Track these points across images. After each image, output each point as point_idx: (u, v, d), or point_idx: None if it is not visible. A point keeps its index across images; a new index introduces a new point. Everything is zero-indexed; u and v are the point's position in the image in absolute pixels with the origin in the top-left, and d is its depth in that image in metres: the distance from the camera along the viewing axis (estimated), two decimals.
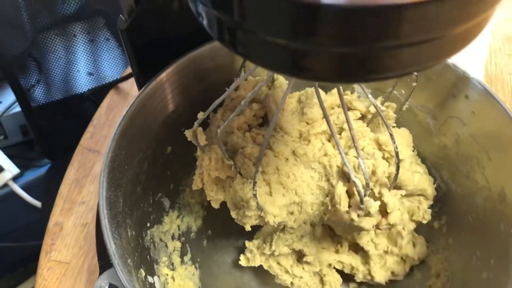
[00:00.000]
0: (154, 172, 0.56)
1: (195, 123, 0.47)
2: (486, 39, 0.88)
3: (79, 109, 1.11)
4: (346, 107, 0.55)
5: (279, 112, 0.52)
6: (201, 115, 0.46)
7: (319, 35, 0.24)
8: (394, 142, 0.45)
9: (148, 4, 0.49)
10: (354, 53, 0.25)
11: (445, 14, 0.24)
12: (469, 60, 0.82)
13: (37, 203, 1.08)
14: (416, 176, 0.56)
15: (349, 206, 0.49)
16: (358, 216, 0.46)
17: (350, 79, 0.31)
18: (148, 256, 0.54)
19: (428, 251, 0.60)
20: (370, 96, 0.42)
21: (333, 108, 0.56)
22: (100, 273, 0.45)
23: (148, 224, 0.56)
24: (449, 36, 0.26)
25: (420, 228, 0.59)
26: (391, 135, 0.45)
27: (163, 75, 0.52)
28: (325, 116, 0.39)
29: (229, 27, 0.28)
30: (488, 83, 0.83)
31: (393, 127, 0.58)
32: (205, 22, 0.29)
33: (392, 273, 0.59)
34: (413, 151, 0.59)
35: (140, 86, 0.57)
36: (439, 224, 0.60)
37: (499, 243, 0.49)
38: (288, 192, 0.51)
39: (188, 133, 0.49)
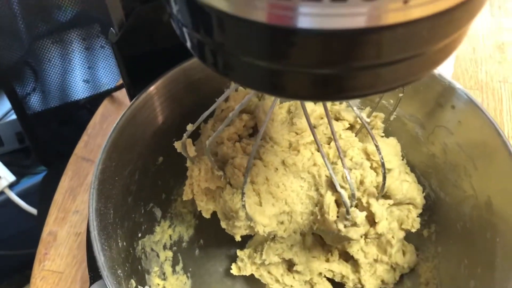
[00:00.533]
0: (145, 183, 0.56)
1: (184, 134, 0.47)
2: None
3: (75, 116, 1.11)
4: (335, 117, 0.56)
5: (268, 123, 0.53)
6: (190, 127, 0.47)
7: (294, 57, 0.25)
8: (380, 153, 0.46)
9: (138, 17, 0.50)
10: (330, 74, 0.26)
11: (422, 34, 0.25)
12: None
13: (33, 210, 1.08)
14: (405, 185, 0.56)
15: (338, 216, 0.50)
16: (345, 226, 0.47)
17: (329, 97, 0.31)
18: (139, 267, 0.54)
19: (418, 259, 0.60)
20: (355, 108, 0.43)
21: (322, 118, 0.57)
22: (90, 284, 0.46)
23: (140, 235, 0.56)
24: (427, 53, 0.27)
25: (409, 236, 0.60)
26: (376, 146, 0.45)
27: (153, 88, 0.52)
28: (310, 128, 0.40)
29: (210, 49, 0.29)
30: (479, 90, 0.83)
31: (382, 136, 0.59)
32: (188, 43, 0.30)
33: (382, 281, 0.60)
34: (402, 160, 0.60)
35: (131, 97, 0.57)
36: (429, 232, 0.61)
37: (485, 251, 0.50)
38: (277, 202, 0.52)
39: (177, 145, 0.50)
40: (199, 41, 0.28)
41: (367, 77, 0.27)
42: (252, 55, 0.26)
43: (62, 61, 1.06)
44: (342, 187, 0.47)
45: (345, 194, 0.44)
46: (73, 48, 1.07)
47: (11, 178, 1.06)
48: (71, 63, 1.08)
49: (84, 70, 1.09)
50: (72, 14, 1.02)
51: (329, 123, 0.40)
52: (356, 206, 0.48)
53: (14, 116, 1.15)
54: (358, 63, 0.25)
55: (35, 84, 1.04)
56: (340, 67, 0.25)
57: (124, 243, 0.51)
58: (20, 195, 1.10)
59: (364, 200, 0.50)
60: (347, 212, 0.45)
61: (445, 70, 0.80)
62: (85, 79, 1.10)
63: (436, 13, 0.24)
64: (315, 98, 0.32)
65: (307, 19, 0.23)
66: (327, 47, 0.24)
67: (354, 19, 0.23)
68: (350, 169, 0.51)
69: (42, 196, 1.09)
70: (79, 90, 1.08)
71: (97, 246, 0.43)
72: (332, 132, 0.40)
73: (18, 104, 1.01)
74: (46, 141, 1.11)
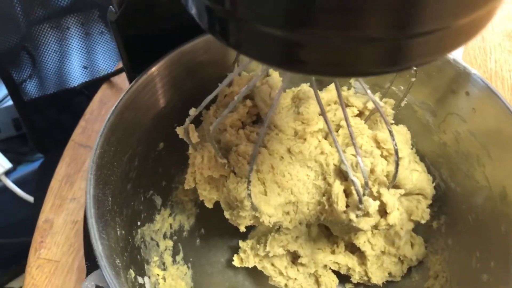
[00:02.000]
0: (145, 169, 0.54)
1: (187, 119, 0.45)
2: None
3: (73, 103, 1.09)
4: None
5: (272, 110, 0.51)
6: (193, 112, 0.45)
7: (317, 24, 0.23)
8: (393, 140, 0.44)
9: None
10: (354, 45, 0.24)
11: (451, 3, 0.23)
12: None
13: (30, 198, 1.06)
14: (414, 174, 0.54)
15: (347, 206, 0.48)
16: (357, 216, 0.44)
17: (349, 72, 0.29)
18: (138, 256, 0.52)
19: (426, 251, 0.59)
20: (369, 91, 0.40)
21: (329, 104, 0.55)
22: (87, 274, 0.44)
23: (139, 223, 0.54)
24: (455, 27, 0.25)
25: (418, 228, 0.58)
26: (390, 132, 0.43)
27: (154, 69, 0.50)
28: (323, 114, 0.38)
29: (220, 17, 0.26)
30: (488, 80, 0.81)
31: (391, 124, 0.57)
32: (194, 11, 0.27)
33: (389, 274, 0.58)
34: (412, 148, 0.58)
35: (130, 80, 0.55)
36: (438, 224, 0.58)
37: (499, 244, 0.48)
38: (283, 191, 0.50)
39: (179, 130, 0.47)
40: (208, 8, 0.25)
41: (392, 51, 0.25)
42: (267, 22, 0.23)
43: (60, 47, 1.04)
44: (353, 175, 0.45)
45: (358, 182, 0.42)
46: (71, 33, 1.05)
47: (8, 165, 1.05)
48: (69, 49, 1.06)
49: (82, 56, 1.07)
50: None
51: (341, 106, 0.38)
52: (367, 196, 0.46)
53: (10, 102, 1.13)
54: (386, 34, 0.23)
55: (32, 70, 1.02)
56: (367, 37, 0.23)
57: (123, 232, 0.49)
58: (17, 182, 1.09)
59: (374, 190, 0.47)
60: (360, 202, 0.43)
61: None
62: (83, 65, 1.07)
63: None
64: (333, 74, 0.29)
65: None
66: (355, 13, 0.21)
67: None
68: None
69: (39, 184, 1.07)
70: (77, 76, 1.06)
71: (95, 234, 0.41)
72: (345, 116, 0.37)
73: (15, 90, 0.99)
74: (43, 128, 1.09)
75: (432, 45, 0.25)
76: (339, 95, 0.37)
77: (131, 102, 0.49)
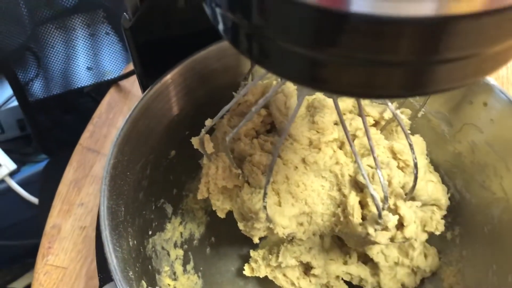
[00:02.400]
0: (157, 177, 0.53)
1: (202, 130, 0.44)
2: None
3: (78, 104, 1.09)
4: (359, 113, 0.53)
5: (286, 119, 0.50)
6: (208, 122, 0.44)
7: (344, 45, 0.22)
8: (413, 153, 0.43)
9: (153, 1, 0.47)
10: (379, 68, 0.23)
11: (486, 31, 0.22)
12: None
13: (34, 199, 1.06)
14: (430, 185, 0.53)
15: (362, 218, 0.47)
16: (375, 230, 0.44)
17: (374, 95, 0.28)
18: (149, 266, 0.51)
19: (441, 262, 0.58)
20: (389, 103, 0.39)
21: (344, 114, 0.54)
22: (100, 286, 0.43)
23: (150, 232, 0.53)
24: (488, 54, 0.24)
25: (432, 239, 0.57)
26: (410, 145, 0.42)
27: (168, 77, 0.49)
28: (342, 123, 0.37)
29: (246, 33, 0.26)
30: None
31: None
32: (220, 26, 0.27)
33: (402, 285, 0.57)
34: (426, 158, 0.57)
35: (143, 86, 0.54)
36: (452, 235, 0.58)
37: None
38: (297, 202, 0.49)
39: (194, 141, 0.46)
40: (234, 24, 0.25)
41: (422, 74, 0.24)
42: (295, 41, 0.23)
43: (65, 47, 1.03)
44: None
45: (378, 197, 0.41)
46: (76, 34, 1.04)
47: (12, 166, 1.04)
48: (75, 50, 1.05)
49: (88, 57, 1.07)
50: None
51: (362, 117, 0.37)
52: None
53: (15, 103, 1.12)
54: (416, 58, 0.22)
55: (38, 71, 1.02)
56: (394, 61, 0.22)
57: (135, 242, 0.48)
58: (21, 183, 1.08)
59: (391, 202, 0.47)
60: (379, 216, 0.42)
61: None
62: (88, 66, 1.07)
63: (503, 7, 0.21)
64: (356, 95, 0.29)
65: (362, 2, 0.20)
66: (384, 37, 0.21)
67: (421, 5, 0.20)
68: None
69: (44, 186, 1.06)
70: (83, 77, 1.05)
71: (109, 247, 0.40)
72: (365, 126, 0.37)
73: (20, 91, 0.98)
74: (48, 129, 1.09)
75: (462, 71, 0.25)
76: (360, 106, 0.36)
77: (145, 111, 0.48)
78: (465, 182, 0.56)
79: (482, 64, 0.25)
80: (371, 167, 0.48)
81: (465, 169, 0.55)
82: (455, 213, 0.57)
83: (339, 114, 0.36)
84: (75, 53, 1.05)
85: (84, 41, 1.06)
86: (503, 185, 0.50)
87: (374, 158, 0.38)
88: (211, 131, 0.54)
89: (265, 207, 0.44)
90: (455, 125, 0.55)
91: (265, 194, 0.42)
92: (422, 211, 0.55)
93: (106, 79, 1.00)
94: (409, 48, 0.22)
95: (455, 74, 0.25)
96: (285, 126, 0.50)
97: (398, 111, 0.45)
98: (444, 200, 0.55)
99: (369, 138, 0.37)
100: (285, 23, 0.23)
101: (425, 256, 0.57)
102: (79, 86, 1.04)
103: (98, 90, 0.95)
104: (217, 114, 0.41)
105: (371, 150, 0.37)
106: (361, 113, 0.36)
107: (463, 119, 0.54)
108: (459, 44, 0.22)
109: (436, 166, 0.58)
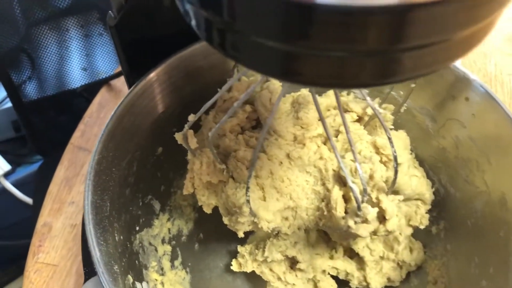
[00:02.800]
0: (144, 174, 0.54)
1: (186, 125, 0.45)
2: None
3: (72, 105, 1.09)
4: (342, 109, 0.54)
5: (272, 116, 0.50)
6: (191, 118, 0.44)
7: (313, 37, 0.23)
8: (392, 146, 0.44)
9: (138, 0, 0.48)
10: (351, 58, 0.24)
11: (450, 17, 0.22)
12: None
13: (29, 200, 1.06)
14: (413, 180, 0.54)
15: (346, 212, 0.48)
16: (355, 223, 0.44)
17: (347, 84, 0.29)
18: (136, 261, 0.52)
19: (425, 256, 0.58)
20: (368, 98, 0.40)
21: (329, 110, 0.55)
22: (85, 280, 0.44)
23: (137, 228, 0.54)
24: (455, 39, 0.25)
25: (417, 233, 0.58)
26: (389, 138, 0.43)
27: (153, 74, 0.50)
28: (321, 119, 0.37)
29: (218, 28, 0.26)
30: (488, 83, 0.81)
31: (391, 129, 0.56)
32: (193, 22, 0.27)
33: (388, 279, 0.58)
34: (411, 153, 0.57)
35: (129, 84, 0.55)
36: (437, 229, 0.58)
37: (498, 250, 0.48)
38: (282, 196, 0.49)
39: (178, 136, 0.47)
40: (206, 20, 0.25)
41: (390, 63, 0.25)
42: (264, 35, 0.23)
43: (59, 48, 1.03)
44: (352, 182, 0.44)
45: (356, 189, 0.41)
46: (70, 35, 1.05)
47: (7, 167, 1.04)
48: (68, 51, 1.06)
49: (81, 57, 1.07)
50: (69, 0, 1.00)
51: (341, 113, 0.37)
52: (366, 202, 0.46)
53: (9, 104, 1.13)
54: (383, 46, 0.23)
55: (31, 72, 1.02)
56: (363, 50, 0.23)
57: (121, 237, 0.49)
58: (16, 184, 1.08)
59: (373, 196, 0.47)
60: (359, 208, 0.43)
61: None
62: (82, 67, 1.07)
63: None
64: (329, 86, 0.29)
65: None
66: (352, 27, 0.21)
67: None
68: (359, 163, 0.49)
69: (38, 186, 1.06)
70: (76, 78, 1.06)
71: (93, 241, 0.41)
72: (344, 123, 0.37)
73: (14, 92, 0.99)
74: (42, 130, 1.09)
75: (431, 57, 0.25)
76: (338, 101, 0.37)
77: (130, 108, 0.49)
78: (450, 177, 0.56)
79: (450, 50, 0.25)
80: (354, 162, 0.49)
81: (449, 164, 0.56)
82: (440, 207, 0.58)
83: (318, 108, 0.37)
84: (68, 54, 1.05)
85: (78, 42, 1.06)
86: (485, 179, 0.51)
87: (353, 151, 0.39)
88: (198, 128, 0.54)
89: (248, 201, 0.44)
90: (439, 121, 0.55)
91: (247, 188, 0.43)
92: (407, 205, 0.56)
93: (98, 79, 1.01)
94: (377, 37, 0.22)
95: (424, 61, 0.25)
96: (271, 121, 0.51)
97: (376, 105, 0.45)
98: (428, 195, 0.56)
99: (347, 132, 0.38)
100: (254, 17, 0.23)
101: (410, 250, 0.58)
102: (73, 87, 1.05)
103: (91, 90, 0.96)
104: (199, 109, 0.42)
105: (350, 143, 0.38)
106: (339, 108, 0.37)
107: (446, 115, 0.54)
108: (426, 31, 0.23)
109: (421, 161, 0.58)
